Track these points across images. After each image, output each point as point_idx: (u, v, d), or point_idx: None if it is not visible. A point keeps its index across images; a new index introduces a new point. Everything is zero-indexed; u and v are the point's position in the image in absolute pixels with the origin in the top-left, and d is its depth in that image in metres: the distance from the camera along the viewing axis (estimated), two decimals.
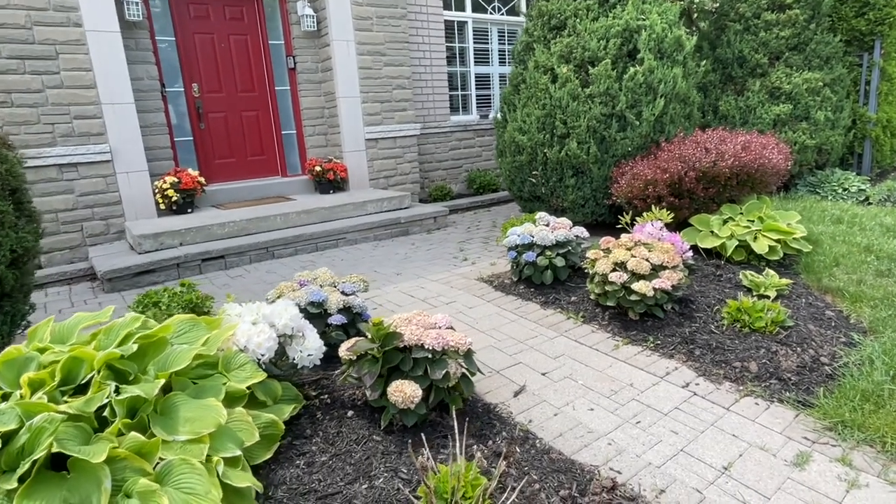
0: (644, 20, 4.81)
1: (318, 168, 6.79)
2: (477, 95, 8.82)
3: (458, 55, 8.56)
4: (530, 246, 3.86)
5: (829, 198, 6.34)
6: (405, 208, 6.51)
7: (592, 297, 3.43)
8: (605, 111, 4.76)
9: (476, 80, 8.76)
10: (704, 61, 5.77)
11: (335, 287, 3.01)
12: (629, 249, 3.29)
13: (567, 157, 4.92)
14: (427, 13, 7.90)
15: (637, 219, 4.08)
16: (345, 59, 6.75)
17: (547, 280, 3.78)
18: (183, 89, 6.31)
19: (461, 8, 8.46)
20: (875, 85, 7.06)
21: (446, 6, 8.26)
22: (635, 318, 3.22)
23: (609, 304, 3.25)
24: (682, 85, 4.82)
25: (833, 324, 3.16)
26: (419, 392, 2.07)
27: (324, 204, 6.01)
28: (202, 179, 6.02)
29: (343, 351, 2.25)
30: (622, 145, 4.80)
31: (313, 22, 6.69)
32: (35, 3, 4.90)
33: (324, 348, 2.39)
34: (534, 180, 5.27)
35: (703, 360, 2.81)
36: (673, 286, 3.13)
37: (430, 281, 4.32)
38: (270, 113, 6.96)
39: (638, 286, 3.06)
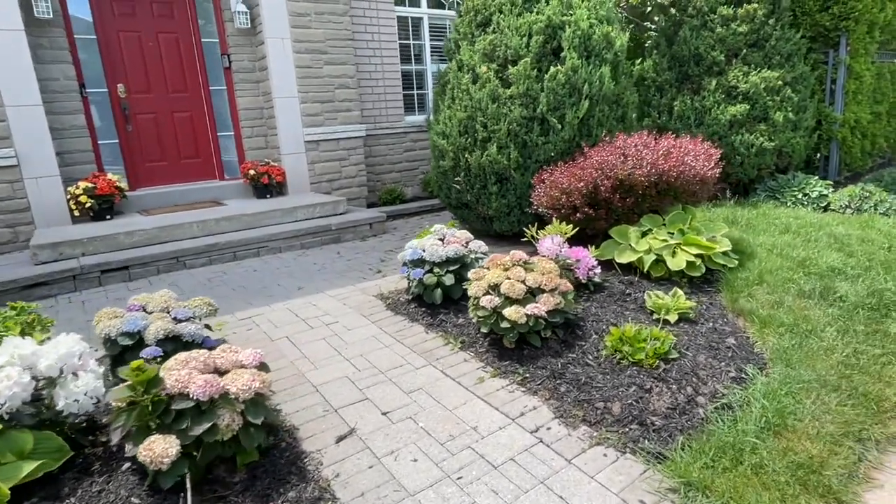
0: (569, 16, 4.47)
1: (252, 171, 6.51)
2: None
3: (412, 53, 8.24)
4: (421, 262, 3.55)
5: (789, 204, 5.98)
6: (339, 214, 6.21)
7: (475, 320, 3.12)
8: (526, 114, 4.44)
9: (433, 79, 8.43)
10: (645, 60, 5.42)
11: (168, 313, 2.72)
12: (506, 270, 2.97)
13: (489, 162, 4.60)
14: (377, 9, 7.58)
15: (539, 231, 3.76)
16: (280, 57, 6.45)
17: (437, 299, 3.47)
18: (107, 90, 6.04)
19: (416, 4, 8.13)
20: (841, 83, 6.67)
21: (400, 2, 7.93)
22: (510, 346, 2.90)
23: (483, 330, 2.94)
24: (610, 86, 4.48)
25: (730, 354, 2.83)
26: (173, 450, 1.77)
27: (248, 210, 5.72)
28: (122, 184, 5.75)
29: (112, 397, 1.96)
30: (545, 150, 4.47)
31: (247, 19, 6.39)
32: None
33: (102, 390, 2.10)
34: (458, 187, 4.95)
35: (567, 398, 2.50)
36: (549, 311, 2.81)
37: (327, 297, 4.03)
38: (205, 113, 6.68)
39: (509, 312, 2.75)
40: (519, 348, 2.91)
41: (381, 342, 3.19)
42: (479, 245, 3.62)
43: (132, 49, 6.13)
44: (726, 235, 4.09)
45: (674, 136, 4.65)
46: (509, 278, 2.88)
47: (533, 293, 2.90)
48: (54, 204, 5.38)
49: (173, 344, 2.59)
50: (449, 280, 3.42)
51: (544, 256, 3.51)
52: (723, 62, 6.18)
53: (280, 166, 6.71)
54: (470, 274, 3.09)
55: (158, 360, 2.48)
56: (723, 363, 2.74)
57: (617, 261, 3.89)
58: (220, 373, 2.11)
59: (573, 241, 4.28)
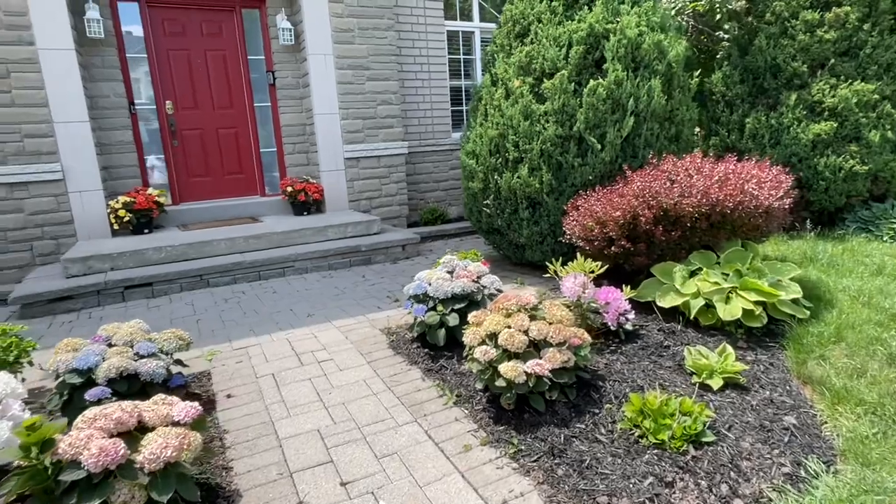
0: (615, 23, 3.99)
1: (289, 188, 6.43)
2: None
3: (462, 68, 7.95)
4: (425, 298, 3.18)
5: (885, 238, 5.07)
6: (373, 234, 5.97)
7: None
8: (561, 132, 3.98)
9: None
10: (713, 73, 4.80)
11: (131, 347, 2.51)
12: (508, 316, 2.53)
13: (520, 185, 4.17)
14: (426, 23, 7.37)
15: (564, 266, 3.27)
16: (322, 73, 6.36)
17: (440, 341, 3.07)
18: (155, 106, 6.18)
19: (468, 17, 7.86)
20: None
21: (451, 16, 7.69)
22: (508, 407, 2.45)
23: (478, 385, 2.51)
24: (661, 100, 3.93)
25: (788, 439, 2.23)
26: None
27: (277, 228, 5.60)
28: (161, 199, 5.82)
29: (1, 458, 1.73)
30: (581, 173, 3.98)
31: (291, 35, 6.36)
32: None
33: (16, 441, 1.87)
34: (487, 210, 4.55)
35: (564, 484, 2.02)
36: (555, 370, 2.34)
37: (333, 328, 3.74)
38: (249, 130, 6.70)
39: (505, 368, 2.31)
40: (520, 410, 2.45)
41: (369, 388, 2.84)
42: (492, 280, 3.20)
43: (181, 66, 6.24)
44: (799, 278, 3.42)
45: (738, 158, 4.02)
46: (509, 327, 2.44)
47: (537, 346, 2.44)
48: (96, 218, 5.51)
49: (128, 383, 2.36)
50: (453, 320, 3.02)
51: (565, 299, 3.04)
52: (805, 74, 5.40)
53: (318, 183, 6.60)
54: (470, 317, 2.67)
55: (106, 401, 2.26)
56: (775, 451, 2.15)
57: (658, 304, 3.33)
58: (146, 429, 1.83)
59: (610, 278, 3.76)
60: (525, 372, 2.32)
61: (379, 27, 6.60)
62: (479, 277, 3.24)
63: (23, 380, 2.68)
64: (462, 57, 7.93)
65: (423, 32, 7.36)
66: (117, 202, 5.54)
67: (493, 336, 2.46)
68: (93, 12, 5.40)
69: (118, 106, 5.85)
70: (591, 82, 3.85)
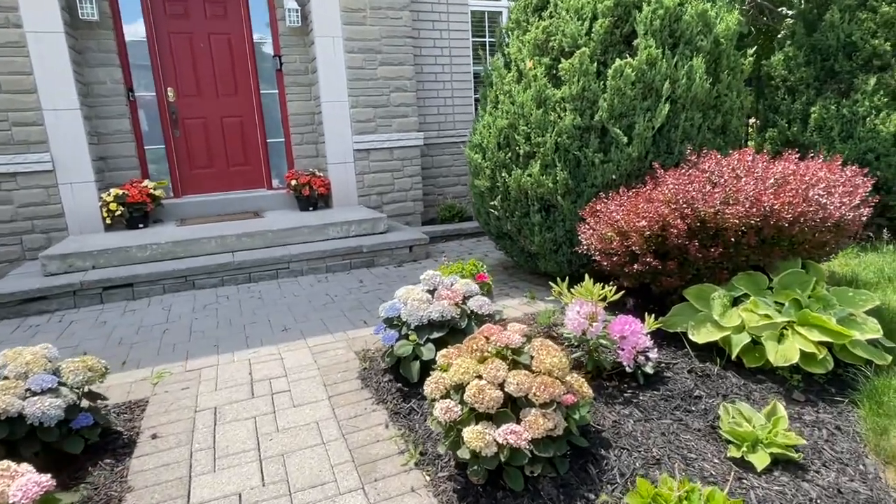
0: None
1: (294, 182, 6.00)
2: None
3: (488, 52, 7.30)
4: (399, 322, 2.63)
5: None
6: (378, 233, 5.47)
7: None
8: (580, 122, 3.33)
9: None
10: (777, 53, 4.03)
11: (25, 379, 2.08)
12: (483, 360, 1.95)
13: (531, 184, 3.55)
14: (447, 2, 6.77)
15: (571, 289, 2.65)
16: (329, 57, 5.87)
17: (413, 376, 2.53)
18: (155, 93, 5.84)
19: None
20: None
21: None
22: (478, 482, 1.88)
23: (440, 450, 1.95)
24: (704, 84, 3.22)
25: None
26: None
27: (273, 226, 5.17)
28: (157, 192, 5.49)
29: None
30: (603, 171, 3.33)
31: (297, 16, 5.89)
32: None
33: None
34: (495, 213, 3.95)
35: None
36: (534, 440, 1.76)
37: (304, 347, 3.25)
38: (255, 118, 6.30)
39: (470, 435, 1.75)
40: (493, 484, 1.88)
41: (320, 434, 2.33)
42: (481, 303, 2.62)
43: (182, 51, 5.88)
44: (875, 311, 2.68)
45: (800, 154, 3.27)
46: (480, 377, 1.87)
47: (517, 403, 1.86)
48: (87, 211, 5.23)
49: (10, 427, 1.93)
50: (429, 352, 2.47)
51: (568, 334, 2.43)
52: (888, 54, 4.51)
53: (325, 177, 6.14)
54: (439, 356, 2.11)
55: None
56: None
57: (691, 338, 2.67)
58: None
59: (638, 295, 3.12)
60: (497, 441, 1.74)
61: (393, 6, 6.04)
62: (465, 299, 2.67)
63: None
64: (488, 40, 7.28)
65: (444, 13, 6.76)
66: (109, 195, 5.23)
67: (459, 388, 1.89)
68: None
69: (115, 93, 5.53)
70: (618, 62, 3.18)
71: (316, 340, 3.35)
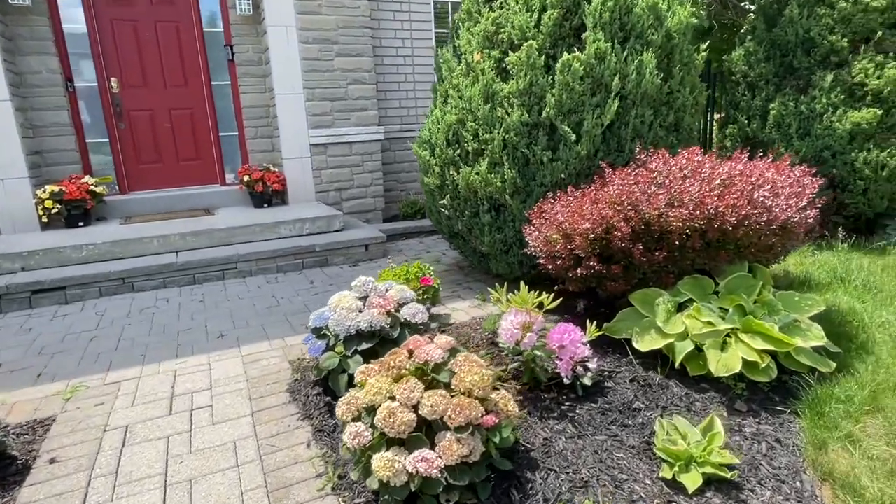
0: None
1: (246, 177, 5.76)
2: None
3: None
4: (326, 332, 2.47)
5: None
6: (334, 231, 5.28)
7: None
8: (528, 119, 3.19)
9: None
10: (738, 49, 3.94)
11: None
12: (399, 379, 1.81)
13: (480, 183, 3.41)
14: None
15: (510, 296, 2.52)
16: (283, 47, 5.63)
17: (341, 389, 2.37)
18: (97, 84, 5.54)
19: None
20: None
21: None
22: None
23: (352, 476, 1.81)
24: (655, 80, 3.11)
25: None
26: None
27: (220, 224, 4.95)
28: (98, 188, 5.20)
29: None
30: (552, 170, 3.20)
31: (249, 4, 5.63)
32: None
33: None
34: (446, 212, 3.80)
35: None
36: (448, 468, 1.63)
37: (237, 356, 3.07)
38: (207, 111, 6.03)
39: (379, 463, 1.60)
40: None
41: (236, 456, 2.16)
42: (414, 311, 2.47)
43: (127, 39, 5.58)
44: (826, 311, 2.61)
45: (762, 151, 3.19)
46: (393, 398, 1.72)
47: (432, 427, 1.72)
48: (21, 209, 4.93)
49: None
50: (356, 365, 2.31)
51: (503, 344, 2.30)
52: (845, 50, 4.47)
53: (280, 172, 5.91)
54: (358, 372, 1.96)
55: None
56: None
57: (637, 347, 2.56)
58: None
59: (589, 300, 3.02)
60: (407, 470, 1.60)
61: None
62: (399, 307, 2.52)
63: None
64: (452, 32, 7.09)
65: (405, 2, 6.55)
66: (44, 192, 4.94)
67: (372, 410, 1.75)
68: None
69: (52, 83, 5.22)
70: (566, 55, 3.05)
71: (251, 348, 3.17)
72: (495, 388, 1.92)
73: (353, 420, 1.75)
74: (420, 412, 1.69)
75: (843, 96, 4.46)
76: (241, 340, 3.30)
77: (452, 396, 1.73)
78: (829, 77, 4.48)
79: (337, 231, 5.31)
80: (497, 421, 1.75)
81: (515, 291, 2.67)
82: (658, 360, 2.60)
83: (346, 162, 6.18)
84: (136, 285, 4.38)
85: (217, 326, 3.55)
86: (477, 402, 1.71)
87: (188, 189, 6.01)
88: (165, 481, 2.03)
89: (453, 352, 1.97)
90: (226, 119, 6.14)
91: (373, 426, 1.71)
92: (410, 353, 1.95)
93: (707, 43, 3.51)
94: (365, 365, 1.98)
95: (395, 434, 1.65)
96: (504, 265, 3.64)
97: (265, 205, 5.86)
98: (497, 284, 2.65)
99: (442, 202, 3.72)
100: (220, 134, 6.14)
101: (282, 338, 3.31)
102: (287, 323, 3.57)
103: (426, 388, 1.77)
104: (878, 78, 4.33)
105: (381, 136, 6.29)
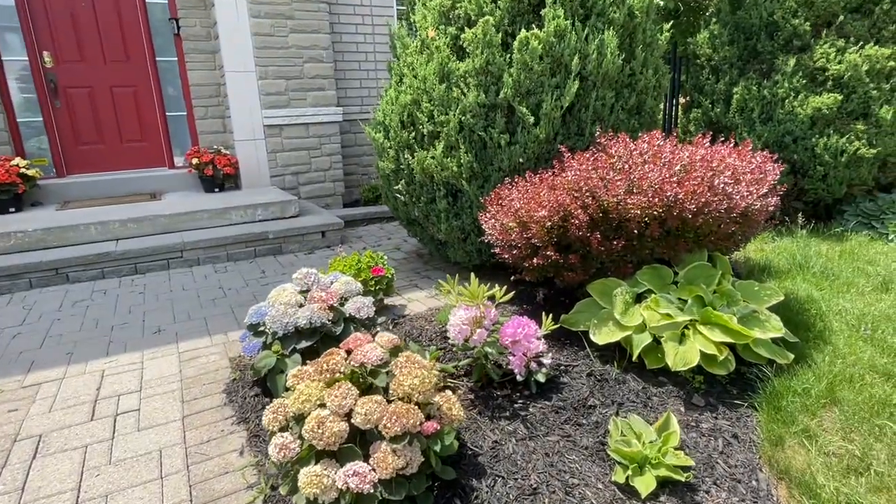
0: None
1: (195, 160, 5.45)
2: None
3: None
4: (263, 329, 2.29)
5: (891, 237, 4.21)
6: (289, 217, 5.04)
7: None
8: (484, 100, 3.03)
9: None
10: (703, 31, 3.84)
11: None
12: (332, 383, 1.65)
13: (435, 168, 3.24)
14: None
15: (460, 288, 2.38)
16: (232, 21, 5.30)
17: (278, 391, 2.20)
18: (27, 59, 5.12)
19: None
20: None
21: None
22: None
23: (282, 491, 1.65)
24: (617, 60, 2.98)
25: None
26: None
27: (165, 210, 4.65)
28: (30, 171, 4.83)
29: None
30: (510, 154, 3.05)
31: None
32: None
33: None
34: (401, 197, 3.63)
35: None
36: (383, 481, 1.48)
37: (174, 353, 2.85)
38: (152, 89, 5.67)
39: (306, 479, 1.45)
40: None
41: (160, 467, 1.98)
42: (360, 305, 2.31)
43: (60, 10, 5.16)
44: (784, 299, 2.55)
45: (723, 136, 3.11)
46: (323, 405, 1.57)
47: (367, 437, 1.57)
48: None
49: None
50: (294, 365, 2.15)
51: (453, 341, 2.16)
52: (807, 34, 4.43)
53: (232, 155, 5.62)
54: (290, 375, 1.79)
55: None
56: None
57: (592, 338, 2.46)
58: None
59: (549, 290, 2.90)
60: (338, 486, 1.45)
61: None
62: (344, 300, 2.35)
63: None
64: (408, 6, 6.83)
65: None
66: None
67: (300, 418, 1.59)
68: None
69: None
70: (524, 33, 2.88)
71: (190, 345, 2.96)
72: (441, 389, 1.78)
73: (281, 430, 1.59)
74: (353, 421, 1.54)
75: (804, 81, 4.42)
76: (179, 336, 3.08)
77: (390, 402, 1.58)
78: (792, 61, 4.44)
79: (292, 217, 5.08)
80: (439, 427, 1.61)
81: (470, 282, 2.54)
82: (616, 352, 2.51)
83: (304, 144, 5.91)
84: (72, 276, 4.08)
85: (155, 320, 3.32)
86: (416, 408, 1.57)
87: (133, 172, 5.67)
88: (78, 497, 1.84)
89: (395, 351, 1.82)
90: (173, 98, 5.78)
91: (301, 437, 1.55)
92: (349, 352, 1.80)
93: (671, 24, 3.39)
94: (298, 367, 1.81)
95: (324, 446, 1.49)
96: (462, 253, 3.50)
97: (216, 189, 5.57)
98: (449, 276, 2.50)
99: (397, 188, 3.54)
100: (168, 114, 5.79)
101: (224, 333, 3.10)
102: (232, 315, 3.37)
103: (362, 394, 1.62)
104: (839, 63, 4.30)
105: (339, 117, 6.03)
